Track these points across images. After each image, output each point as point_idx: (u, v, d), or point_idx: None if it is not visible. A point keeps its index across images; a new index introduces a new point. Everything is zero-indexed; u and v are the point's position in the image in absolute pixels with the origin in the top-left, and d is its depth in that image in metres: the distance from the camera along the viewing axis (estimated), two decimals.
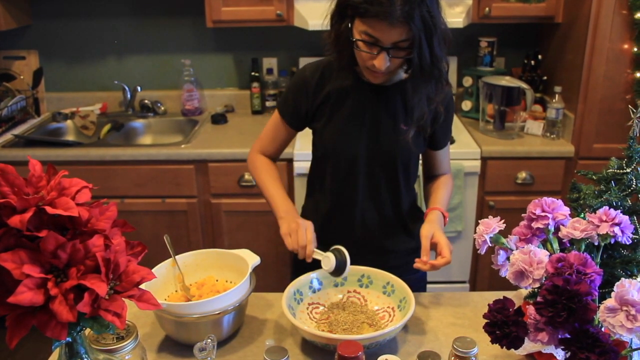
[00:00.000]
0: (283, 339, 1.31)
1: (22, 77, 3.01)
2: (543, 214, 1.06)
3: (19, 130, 2.80)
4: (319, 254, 1.36)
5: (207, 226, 2.66)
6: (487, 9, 2.58)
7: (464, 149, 2.51)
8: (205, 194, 2.60)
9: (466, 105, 2.94)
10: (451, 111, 1.53)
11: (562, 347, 0.93)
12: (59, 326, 0.72)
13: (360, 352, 0.99)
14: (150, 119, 3.01)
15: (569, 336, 0.92)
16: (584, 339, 0.90)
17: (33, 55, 3.04)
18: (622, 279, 0.90)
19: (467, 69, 2.91)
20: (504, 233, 1.11)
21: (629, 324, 0.86)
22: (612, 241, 1.00)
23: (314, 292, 1.41)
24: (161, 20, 3.00)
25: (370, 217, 1.53)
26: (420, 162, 1.63)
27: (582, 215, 1.08)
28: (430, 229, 1.39)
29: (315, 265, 1.39)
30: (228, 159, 2.53)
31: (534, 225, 1.07)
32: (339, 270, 1.34)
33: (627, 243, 1.00)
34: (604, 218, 0.99)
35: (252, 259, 1.35)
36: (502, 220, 1.10)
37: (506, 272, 1.06)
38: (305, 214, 1.60)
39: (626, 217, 0.99)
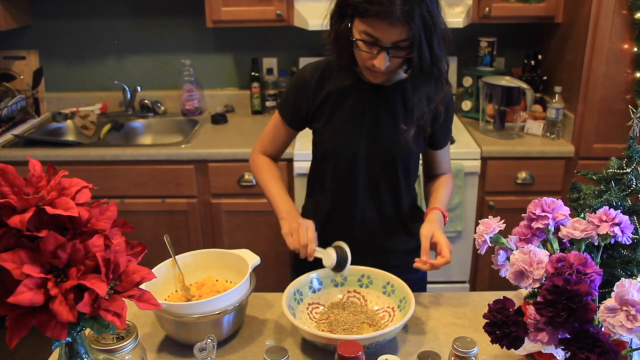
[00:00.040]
0: (283, 339, 1.31)
1: (22, 77, 3.01)
2: (543, 214, 1.06)
3: (19, 130, 2.80)
4: (320, 252, 1.36)
5: (207, 226, 2.66)
6: (487, 9, 2.58)
7: (464, 149, 2.51)
8: (205, 194, 2.60)
9: (466, 105, 2.94)
10: (451, 111, 1.53)
11: (562, 347, 0.93)
12: (59, 326, 0.72)
13: (360, 352, 0.99)
14: (150, 119, 3.01)
15: (569, 336, 0.92)
16: (584, 339, 0.90)
17: (33, 55, 3.04)
18: (622, 279, 0.90)
19: (467, 69, 2.91)
20: (504, 233, 1.11)
21: (629, 324, 0.86)
22: (612, 241, 1.00)
23: (314, 292, 1.41)
24: (161, 20, 3.00)
25: (370, 216, 1.53)
26: (421, 161, 1.63)
27: (582, 215, 1.08)
28: (430, 229, 1.39)
29: (316, 265, 1.39)
30: (228, 159, 2.53)
31: (534, 225, 1.07)
32: (339, 266, 1.34)
33: (627, 243, 1.00)
34: (604, 218, 0.99)
35: (252, 259, 1.35)
36: (502, 220, 1.10)
37: (506, 272, 1.06)
38: (305, 214, 1.60)
39: (626, 217, 0.99)
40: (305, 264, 1.41)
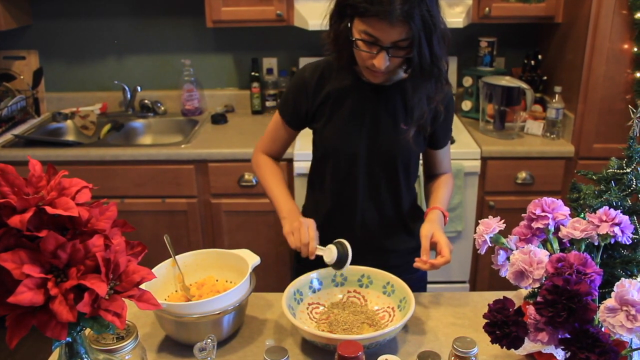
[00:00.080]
0: (283, 339, 1.31)
1: (22, 77, 3.01)
2: (543, 214, 1.06)
3: (19, 130, 2.80)
4: (321, 250, 1.37)
5: (207, 226, 2.66)
6: (487, 9, 2.58)
7: (464, 149, 2.51)
8: (205, 194, 2.60)
9: (466, 105, 2.94)
10: (451, 110, 1.53)
11: (562, 347, 0.93)
12: (59, 326, 0.72)
13: (360, 352, 0.99)
14: (150, 119, 3.01)
15: (569, 336, 0.92)
16: (584, 339, 0.90)
17: (33, 55, 3.04)
18: (622, 279, 0.90)
19: (467, 69, 2.91)
20: (504, 233, 1.11)
21: (629, 324, 0.86)
22: (612, 241, 1.00)
23: (314, 292, 1.41)
24: (161, 20, 3.00)
25: (370, 216, 1.53)
26: (421, 161, 1.63)
27: (582, 215, 1.08)
28: (430, 229, 1.39)
29: (317, 266, 1.39)
30: (228, 159, 2.53)
31: (534, 225, 1.07)
32: (340, 262, 1.34)
33: (627, 243, 1.00)
34: (604, 218, 0.99)
35: (252, 259, 1.35)
36: (502, 220, 1.10)
37: (506, 272, 1.06)
38: (305, 214, 1.60)
39: (626, 217, 0.99)
40: (305, 265, 1.41)
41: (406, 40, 1.28)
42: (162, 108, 3.06)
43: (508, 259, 1.08)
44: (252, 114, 3.04)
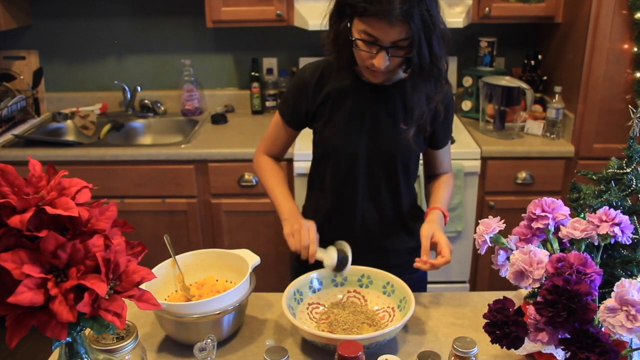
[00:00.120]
0: (283, 339, 1.31)
1: (22, 77, 3.01)
2: (543, 214, 1.06)
3: (19, 130, 2.80)
4: (321, 253, 1.37)
5: (207, 226, 2.66)
6: (487, 9, 2.58)
7: (464, 149, 2.51)
8: (205, 194, 2.60)
9: (466, 105, 2.94)
10: (451, 110, 1.53)
11: (562, 347, 0.93)
12: (59, 326, 0.72)
13: (360, 352, 0.99)
14: (150, 119, 3.01)
15: (569, 336, 0.92)
16: (584, 339, 0.90)
17: (33, 55, 3.04)
18: (622, 279, 0.90)
19: (467, 69, 2.91)
20: (504, 233, 1.11)
21: (629, 324, 0.86)
22: (612, 241, 1.00)
23: (314, 292, 1.41)
24: (161, 20, 3.00)
25: (370, 216, 1.53)
26: (421, 161, 1.63)
27: (582, 215, 1.08)
28: (430, 229, 1.39)
29: (317, 265, 1.39)
30: (228, 159, 2.53)
31: (534, 225, 1.07)
32: (340, 266, 1.34)
33: (627, 243, 1.00)
34: (604, 218, 0.99)
35: (252, 259, 1.35)
36: (502, 220, 1.10)
37: (506, 272, 1.06)
38: (305, 214, 1.60)
39: (626, 217, 0.99)
40: (305, 265, 1.41)
41: (406, 40, 1.28)
42: (162, 108, 3.06)
43: (508, 259, 1.08)
44: (252, 114, 3.03)
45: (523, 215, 1.11)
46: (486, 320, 1.03)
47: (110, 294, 0.76)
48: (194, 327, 1.23)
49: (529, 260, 0.98)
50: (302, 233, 1.36)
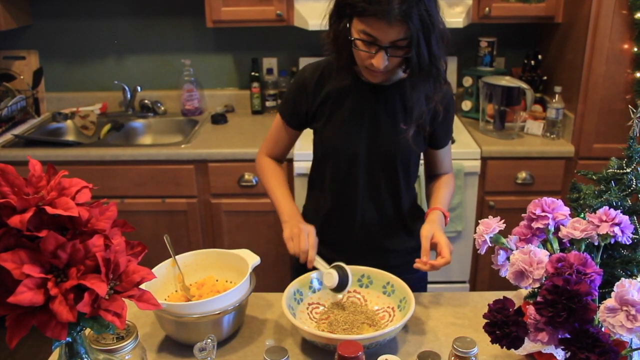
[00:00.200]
0: (283, 339, 1.31)
1: (22, 77, 3.01)
2: (543, 214, 1.06)
3: (19, 130, 2.80)
4: (320, 265, 1.37)
5: (207, 226, 2.66)
6: (487, 9, 2.58)
7: (464, 149, 2.51)
8: (205, 194, 2.60)
9: (466, 105, 2.94)
10: (451, 110, 1.53)
11: (562, 347, 0.93)
12: (59, 326, 0.72)
13: (360, 352, 0.99)
14: (150, 119, 3.01)
15: (569, 336, 0.92)
16: (584, 339, 0.90)
17: (33, 55, 3.04)
18: (622, 279, 0.90)
19: (467, 69, 2.91)
20: (504, 233, 1.11)
21: (629, 324, 0.86)
22: (612, 241, 1.00)
23: (314, 292, 1.41)
24: (161, 20, 3.00)
25: (370, 216, 1.53)
26: (422, 161, 1.63)
27: (582, 215, 1.08)
28: (431, 229, 1.39)
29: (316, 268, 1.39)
30: (228, 159, 2.53)
31: (534, 225, 1.07)
32: (340, 287, 1.35)
33: (627, 243, 1.00)
34: (604, 218, 0.99)
35: (252, 259, 1.35)
36: (502, 220, 1.10)
37: (506, 272, 1.06)
38: (305, 214, 1.60)
39: (626, 217, 0.99)
40: (305, 267, 1.41)
41: (405, 40, 1.28)
42: (162, 108, 3.06)
43: (508, 259, 1.08)
44: (252, 114, 3.03)
45: (523, 215, 1.11)
46: (486, 320, 1.03)
47: (110, 294, 0.76)
48: (194, 327, 1.23)
49: (529, 260, 0.98)
50: (301, 238, 1.37)
